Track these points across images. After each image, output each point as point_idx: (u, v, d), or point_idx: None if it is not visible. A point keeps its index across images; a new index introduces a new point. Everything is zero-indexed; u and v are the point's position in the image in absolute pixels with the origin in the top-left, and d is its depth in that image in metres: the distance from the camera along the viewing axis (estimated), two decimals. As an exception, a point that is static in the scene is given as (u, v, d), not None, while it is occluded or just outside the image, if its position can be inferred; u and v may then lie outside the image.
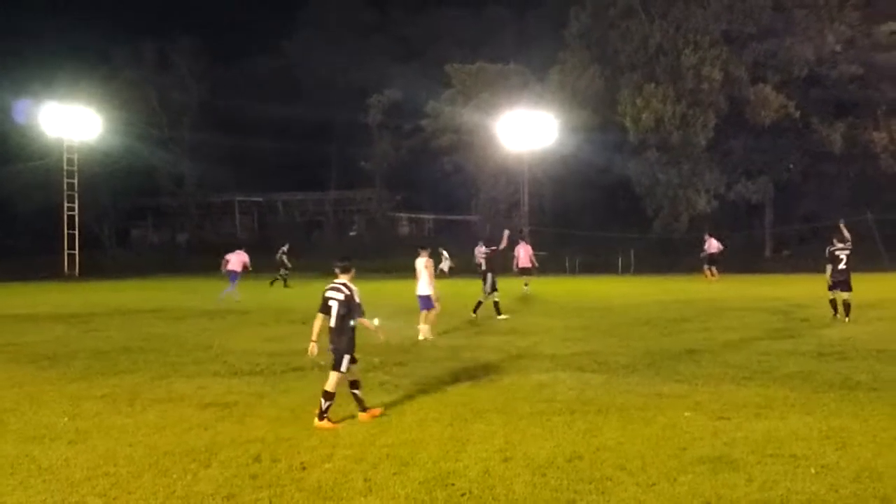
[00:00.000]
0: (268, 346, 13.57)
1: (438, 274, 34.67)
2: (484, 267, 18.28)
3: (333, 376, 7.85)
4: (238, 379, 10.46)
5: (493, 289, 17.82)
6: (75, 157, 43.86)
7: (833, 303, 16.06)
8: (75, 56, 49.26)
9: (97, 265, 43.50)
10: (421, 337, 14.18)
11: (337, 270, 8.24)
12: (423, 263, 14.60)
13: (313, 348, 7.98)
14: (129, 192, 53.89)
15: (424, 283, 14.49)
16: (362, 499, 5.63)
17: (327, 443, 7.10)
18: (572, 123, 42.24)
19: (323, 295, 8.10)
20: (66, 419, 8.13)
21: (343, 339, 7.92)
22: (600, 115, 43.46)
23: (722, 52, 40.75)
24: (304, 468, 6.37)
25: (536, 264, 26.14)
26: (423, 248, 15.11)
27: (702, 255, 31.98)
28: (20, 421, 8.15)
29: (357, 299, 8.03)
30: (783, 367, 10.61)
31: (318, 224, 61.38)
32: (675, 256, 39.53)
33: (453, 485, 5.88)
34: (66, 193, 43.57)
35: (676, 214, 41.87)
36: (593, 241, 42.37)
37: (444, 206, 57.53)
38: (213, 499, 5.67)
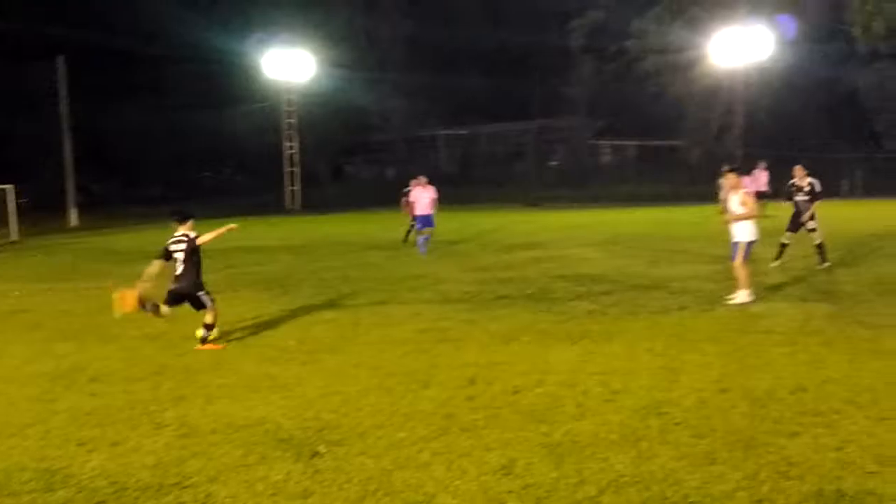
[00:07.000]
0: (475, 276, 13.94)
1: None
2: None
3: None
4: (449, 306, 10.88)
5: None
6: (294, 97, 46.55)
7: None
8: (293, 2, 52.01)
9: (315, 200, 46.35)
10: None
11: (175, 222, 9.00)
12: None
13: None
14: (341, 130, 56.62)
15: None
16: (575, 423, 5.72)
17: (537, 369, 7.26)
18: (791, 35, 38.95)
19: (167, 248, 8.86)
20: (294, 342, 8.86)
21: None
22: (824, 24, 39.73)
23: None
24: (516, 392, 6.56)
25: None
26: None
27: None
28: (259, 343, 8.98)
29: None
30: None
31: (519, 155, 61.34)
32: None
33: (667, 413, 5.83)
34: (285, 133, 46.50)
35: (913, 130, 37.97)
36: (814, 163, 39.12)
37: (648, 132, 55.39)
38: (434, 417, 5.99)
